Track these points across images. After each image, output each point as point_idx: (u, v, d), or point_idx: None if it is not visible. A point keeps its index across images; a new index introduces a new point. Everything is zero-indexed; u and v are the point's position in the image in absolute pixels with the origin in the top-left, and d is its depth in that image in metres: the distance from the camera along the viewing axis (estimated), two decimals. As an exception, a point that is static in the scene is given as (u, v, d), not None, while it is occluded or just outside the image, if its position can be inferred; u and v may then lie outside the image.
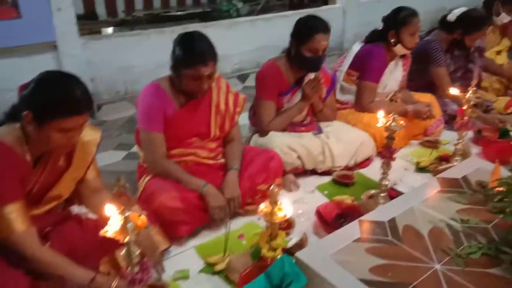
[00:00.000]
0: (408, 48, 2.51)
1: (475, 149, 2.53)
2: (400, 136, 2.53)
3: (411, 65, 2.89)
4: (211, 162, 1.94)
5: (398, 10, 2.52)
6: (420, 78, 2.95)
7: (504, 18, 3.34)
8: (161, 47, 3.41)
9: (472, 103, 2.19)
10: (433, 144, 2.60)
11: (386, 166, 1.89)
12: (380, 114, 1.83)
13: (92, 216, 1.48)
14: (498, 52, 3.52)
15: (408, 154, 2.49)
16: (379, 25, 2.61)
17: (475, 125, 2.85)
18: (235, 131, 2.01)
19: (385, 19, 2.56)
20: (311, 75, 2.27)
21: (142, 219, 1.04)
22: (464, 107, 2.19)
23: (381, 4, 4.96)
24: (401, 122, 1.82)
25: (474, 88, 2.19)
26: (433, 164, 2.32)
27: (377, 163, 2.27)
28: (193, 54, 1.70)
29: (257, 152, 2.01)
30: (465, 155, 2.35)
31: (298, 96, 2.30)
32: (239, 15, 11.24)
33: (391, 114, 1.81)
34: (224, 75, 3.81)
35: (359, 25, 4.67)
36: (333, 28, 4.50)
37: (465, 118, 2.21)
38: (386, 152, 1.85)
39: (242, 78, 3.95)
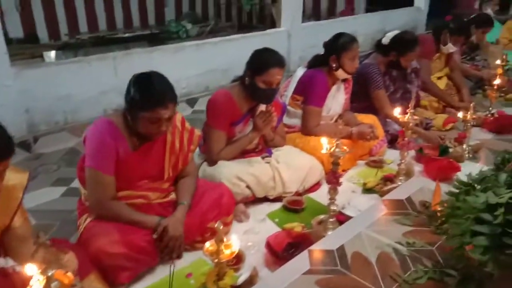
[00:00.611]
0: (349, 73, 2.58)
1: (418, 167, 2.62)
2: (346, 158, 2.58)
3: (353, 87, 2.98)
4: (161, 201, 1.85)
5: (338, 36, 2.60)
6: (363, 99, 3.05)
7: (450, 48, 3.55)
8: (103, 73, 3.31)
9: (411, 124, 2.27)
10: (378, 164, 2.67)
11: (333, 191, 1.89)
12: (324, 140, 1.84)
13: (20, 269, 1.34)
14: (439, 78, 3.74)
15: (354, 176, 2.53)
16: (322, 48, 2.68)
17: (417, 143, 2.99)
18: (189, 167, 1.93)
19: (326, 45, 2.63)
20: (263, 106, 2.26)
21: (68, 276, 0.94)
22: (404, 129, 2.27)
23: (323, 27, 5.17)
24: (344, 147, 1.84)
25: (412, 110, 2.27)
26: (379, 185, 2.37)
27: (325, 187, 2.26)
28: (152, 96, 1.60)
29: (209, 187, 1.94)
30: (408, 174, 2.43)
31: (250, 125, 2.28)
32: (188, 36, 11.26)
33: (335, 140, 1.83)
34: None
35: (304, 48, 4.81)
36: (279, 50, 4.62)
37: (406, 139, 2.28)
38: (332, 177, 1.86)
39: (191, 102, 3.89)
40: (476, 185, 1.34)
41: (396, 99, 3.15)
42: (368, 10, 10.15)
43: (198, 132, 1.95)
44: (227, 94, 2.21)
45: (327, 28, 5.19)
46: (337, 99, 2.70)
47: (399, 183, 2.34)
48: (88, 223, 1.68)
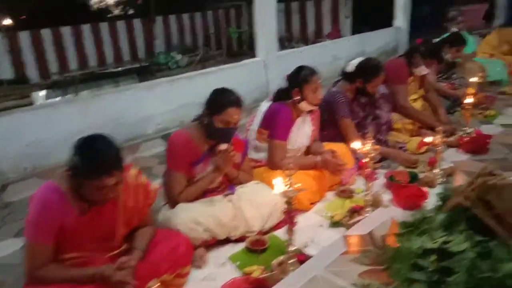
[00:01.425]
0: (313, 105, 2.57)
1: (389, 196, 2.56)
2: (315, 190, 2.54)
3: (322, 116, 2.97)
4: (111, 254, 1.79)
5: (299, 69, 2.60)
6: (332, 128, 3.02)
7: (422, 70, 3.55)
8: (73, 117, 3.31)
9: (372, 155, 2.23)
10: (348, 194, 2.61)
11: (290, 231, 1.84)
12: (277, 180, 1.80)
13: None
14: (415, 100, 3.72)
15: (322, 209, 2.47)
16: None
17: (390, 170, 2.95)
18: (147, 219, 1.88)
19: (288, 78, 2.63)
20: (224, 145, 2.24)
21: None
22: (365, 160, 2.23)
23: (301, 54, 5.21)
24: (298, 185, 1.79)
25: (373, 141, 2.24)
26: (346, 217, 2.32)
27: (292, 222, 2.23)
28: (96, 165, 1.52)
29: (165, 237, 1.88)
30: (376, 204, 2.38)
31: (212, 164, 2.25)
32: (178, 67, 11.39)
33: (287, 179, 1.79)
34: (147, 136, 3.76)
35: (282, 77, 4.82)
36: (257, 80, 4.65)
37: (368, 169, 2.24)
38: (287, 217, 1.81)
39: (166, 138, 3.86)
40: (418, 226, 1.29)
41: (367, 125, 3.12)
42: (354, 31, 10.28)
43: (155, 185, 1.91)
44: (185, 134, 2.20)
45: (305, 55, 5.25)
46: (303, 131, 2.67)
47: (366, 214, 2.28)
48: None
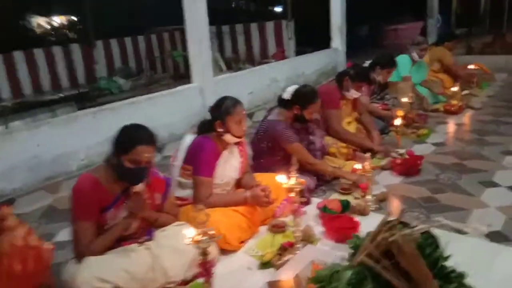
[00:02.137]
0: (238, 136, 2.45)
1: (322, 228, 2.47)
2: (245, 228, 2.39)
3: (259, 145, 2.94)
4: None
5: (221, 100, 2.48)
6: (271, 156, 2.94)
7: (353, 94, 3.57)
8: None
9: (297, 189, 2.12)
10: (281, 228, 2.48)
11: (207, 285, 1.67)
12: (188, 231, 1.63)
13: None
14: (349, 123, 3.72)
15: (253, 248, 2.32)
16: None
17: (325, 198, 2.87)
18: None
19: (211, 110, 2.50)
20: (140, 186, 2.04)
21: None
22: (291, 195, 2.12)
23: (239, 78, 5.12)
24: (212, 232, 1.63)
25: (297, 175, 2.14)
26: (277, 256, 2.17)
27: (221, 268, 2.06)
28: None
29: None
30: (307, 239, 2.26)
31: (125, 209, 2.04)
32: (121, 91, 10.98)
33: (200, 227, 1.62)
34: (70, 173, 3.46)
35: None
36: (193, 106, 4.49)
37: (295, 204, 2.13)
38: (202, 269, 1.64)
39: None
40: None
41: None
42: (298, 52, 10.49)
43: (48, 245, 1.66)
44: (91, 178, 1.97)
45: (243, 79, 5.18)
46: (231, 164, 2.53)
47: (297, 251, 2.16)
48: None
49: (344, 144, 3.48)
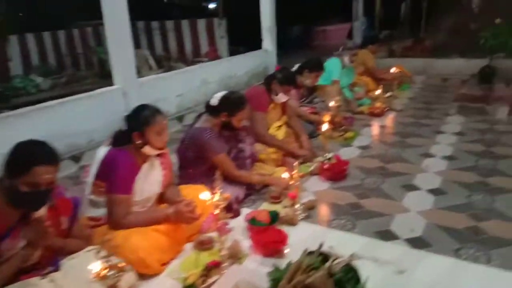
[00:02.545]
0: (159, 148, 2.26)
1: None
2: (166, 248, 2.22)
3: (186, 153, 2.80)
4: None
5: (139, 109, 2.28)
6: (199, 165, 2.80)
7: (281, 97, 3.51)
8: None
9: (221, 206, 2.00)
10: (208, 245, 2.34)
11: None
12: (93, 266, 1.43)
13: None
14: (279, 127, 3.67)
15: (176, 269, 2.16)
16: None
17: (254, 208, 2.79)
18: None
19: (127, 119, 2.29)
20: (42, 210, 1.78)
21: None
22: (216, 212, 2.00)
23: (165, 81, 4.88)
24: (121, 264, 1.45)
25: (221, 190, 2.02)
26: (202, 278, 2.04)
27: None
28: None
29: None
30: (235, 255, 2.15)
31: (23, 238, 1.77)
32: (40, 91, 10.08)
33: (103, 261, 1.43)
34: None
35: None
36: (115, 111, 4.17)
37: (220, 222, 2.01)
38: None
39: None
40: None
41: (232, 159, 2.94)
42: (231, 51, 10.39)
43: None
44: None
45: (171, 80, 4.95)
46: (152, 178, 2.34)
47: (224, 271, 2.04)
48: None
49: (273, 150, 3.43)
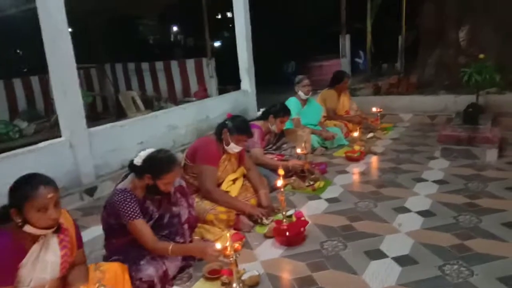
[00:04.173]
0: (42, 228, 1.86)
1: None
2: None
3: (108, 220, 2.43)
4: None
5: (23, 179, 1.90)
6: (124, 234, 2.40)
7: (234, 148, 3.17)
8: None
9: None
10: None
11: None
12: None
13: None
14: (234, 180, 3.29)
15: None
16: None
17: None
18: None
19: (8, 192, 1.91)
20: None
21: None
22: None
23: (122, 129, 4.56)
24: None
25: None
26: None
27: None
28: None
29: None
30: None
31: None
32: (22, 136, 9.85)
33: None
34: None
35: (101, 154, 4.14)
36: (63, 165, 3.83)
37: None
38: None
39: None
40: None
41: (163, 226, 2.54)
42: (220, 90, 10.21)
43: None
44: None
45: (133, 127, 4.63)
46: (44, 261, 1.93)
47: None
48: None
49: (224, 209, 3.02)
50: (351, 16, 9.48)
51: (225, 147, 3.18)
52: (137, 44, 14.83)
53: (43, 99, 10.84)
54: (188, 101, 9.52)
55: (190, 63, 10.80)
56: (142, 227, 2.36)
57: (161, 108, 9.13)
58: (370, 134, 5.39)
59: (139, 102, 9.95)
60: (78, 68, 11.60)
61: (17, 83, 10.49)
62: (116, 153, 4.35)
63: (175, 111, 5.31)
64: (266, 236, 2.90)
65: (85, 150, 3.98)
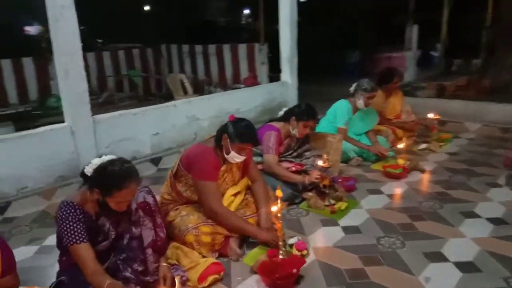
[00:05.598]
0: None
1: None
2: None
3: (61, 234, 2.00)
4: None
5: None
6: (70, 253, 1.99)
7: (235, 157, 2.64)
8: None
9: None
10: None
11: None
12: None
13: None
14: (235, 195, 2.77)
15: None
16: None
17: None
18: None
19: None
20: None
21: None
22: None
23: (136, 116, 4.21)
24: None
25: None
26: None
27: None
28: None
29: None
30: None
31: None
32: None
33: None
34: None
35: (108, 144, 3.84)
36: (62, 152, 3.56)
37: None
38: None
39: None
40: None
41: (122, 248, 2.10)
42: (271, 78, 9.67)
43: None
44: None
45: (146, 117, 4.27)
46: None
47: None
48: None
49: (208, 229, 2.50)
50: (420, 5, 8.33)
51: (225, 155, 2.63)
52: (196, 25, 14.61)
53: (97, 76, 11.06)
54: (236, 88, 9.12)
55: (242, 48, 10.33)
56: (84, 253, 1.93)
57: (210, 92, 8.81)
58: (423, 146, 4.54)
59: (187, 85, 9.72)
60: (131, 47, 11.52)
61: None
62: (125, 143, 4.02)
63: (198, 101, 4.85)
64: (253, 271, 2.35)
65: (88, 139, 3.68)
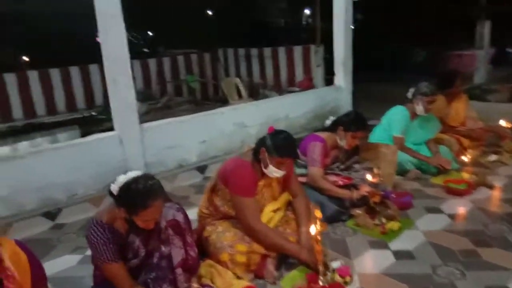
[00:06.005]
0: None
1: None
2: None
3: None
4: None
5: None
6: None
7: (273, 171, 2.51)
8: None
9: None
10: None
11: None
12: None
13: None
14: (275, 211, 2.62)
15: None
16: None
17: None
18: None
19: None
20: None
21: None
22: None
23: (181, 124, 4.21)
24: None
25: None
26: None
27: None
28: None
29: None
30: None
31: None
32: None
33: None
34: None
35: (155, 152, 3.88)
36: (112, 160, 3.64)
37: None
38: None
39: None
40: None
41: (152, 267, 2.04)
42: (327, 80, 9.40)
43: None
44: None
45: (192, 124, 4.26)
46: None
47: None
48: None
49: (244, 248, 2.38)
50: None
51: (264, 169, 2.49)
52: (255, 28, 14.61)
53: (158, 81, 11.44)
54: (291, 91, 8.96)
55: (298, 50, 10.13)
56: (118, 272, 1.93)
57: (265, 97, 8.75)
58: (493, 157, 4.06)
59: (242, 89, 9.74)
60: (189, 53, 11.80)
61: (136, 64, 11.20)
62: (172, 151, 4.04)
63: (245, 107, 4.76)
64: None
65: (136, 147, 3.73)
